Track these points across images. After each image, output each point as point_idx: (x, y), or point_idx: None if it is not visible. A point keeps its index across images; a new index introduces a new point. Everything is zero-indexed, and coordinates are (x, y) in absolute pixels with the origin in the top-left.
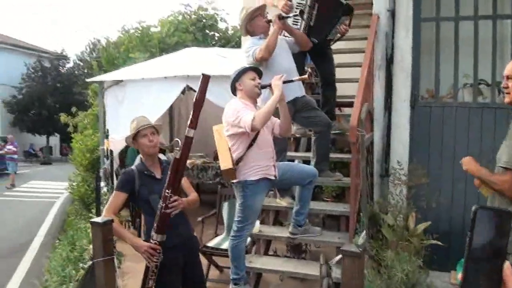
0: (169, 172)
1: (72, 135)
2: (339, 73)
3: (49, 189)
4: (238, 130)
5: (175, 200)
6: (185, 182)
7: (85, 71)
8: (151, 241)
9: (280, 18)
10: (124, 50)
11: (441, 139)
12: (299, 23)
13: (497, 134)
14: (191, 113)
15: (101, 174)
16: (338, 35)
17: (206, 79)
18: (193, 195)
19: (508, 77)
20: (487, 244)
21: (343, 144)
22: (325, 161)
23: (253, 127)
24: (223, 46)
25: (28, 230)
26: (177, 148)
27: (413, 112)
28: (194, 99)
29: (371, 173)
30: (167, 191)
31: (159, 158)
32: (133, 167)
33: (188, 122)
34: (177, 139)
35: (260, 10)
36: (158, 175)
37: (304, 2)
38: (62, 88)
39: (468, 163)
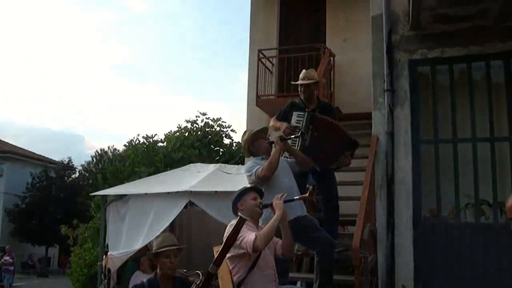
0: None
1: (72, 248)
2: (342, 191)
3: None
4: (239, 251)
5: None
6: None
7: (90, 181)
8: None
9: (282, 139)
10: (130, 164)
11: (446, 260)
12: (296, 144)
13: (502, 254)
14: (220, 249)
15: None
16: (338, 167)
17: (242, 222)
18: None
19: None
20: None
21: (346, 264)
22: (329, 283)
23: (256, 248)
24: (227, 161)
25: None
26: (197, 281)
27: (416, 233)
28: (225, 238)
29: None
30: None
31: (173, 277)
32: (144, 281)
33: (214, 259)
34: (198, 271)
35: (262, 132)
36: None
37: (300, 124)
38: (65, 198)
39: None
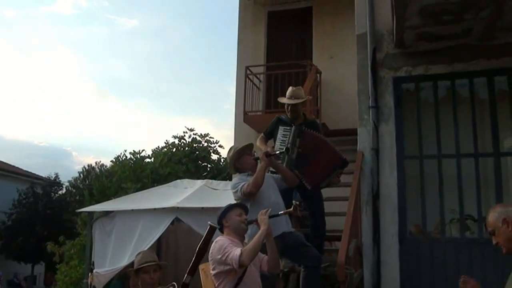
0: None
1: (58, 266)
2: (328, 206)
3: None
4: (225, 268)
5: None
6: None
7: (77, 197)
8: None
9: (267, 155)
10: (117, 180)
11: (431, 275)
12: (282, 160)
13: (487, 269)
14: (192, 260)
15: None
16: (330, 183)
17: (212, 230)
18: None
19: (491, 234)
20: None
21: (333, 279)
22: None
23: (241, 263)
24: (214, 177)
25: None
26: None
27: (402, 248)
28: (197, 247)
29: None
30: None
31: None
32: None
33: (188, 269)
34: (174, 283)
35: (248, 149)
36: None
37: (287, 138)
38: (52, 214)
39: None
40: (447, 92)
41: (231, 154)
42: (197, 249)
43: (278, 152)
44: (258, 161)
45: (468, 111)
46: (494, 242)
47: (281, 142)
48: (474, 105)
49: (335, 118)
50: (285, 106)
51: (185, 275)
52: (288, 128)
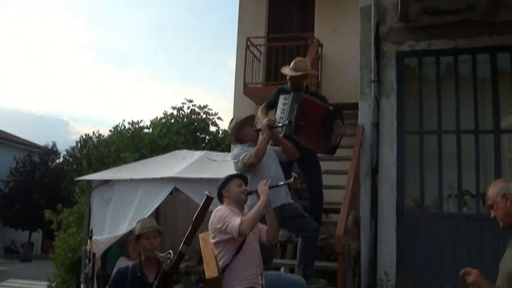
0: (156, 282)
1: (56, 233)
2: (326, 179)
3: None
4: (225, 237)
5: None
6: None
7: (74, 167)
8: None
9: (270, 127)
10: (115, 150)
11: (428, 250)
12: (282, 132)
13: (484, 244)
14: (188, 229)
15: (82, 279)
16: (338, 138)
17: (209, 200)
18: None
19: (490, 207)
20: None
21: (330, 251)
22: (310, 267)
23: (241, 232)
24: (212, 149)
25: None
26: (168, 260)
27: (399, 222)
28: (194, 217)
29: (358, 284)
30: None
31: (158, 260)
32: (129, 265)
33: (184, 239)
34: (170, 251)
35: (250, 120)
36: (151, 278)
37: (286, 106)
38: (49, 183)
39: (478, 276)
40: (449, 68)
41: (232, 124)
42: (194, 218)
43: (280, 124)
44: (260, 132)
45: (470, 88)
46: (492, 215)
47: (281, 110)
48: (475, 82)
49: (336, 92)
50: (287, 77)
51: (181, 244)
52: (288, 96)
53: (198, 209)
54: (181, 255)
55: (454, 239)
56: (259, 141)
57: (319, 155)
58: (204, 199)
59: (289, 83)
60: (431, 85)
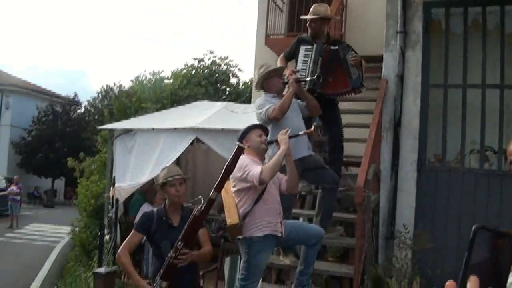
0: (186, 226)
1: (78, 180)
2: (347, 133)
3: (51, 233)
4: (245, 185)
5: (184, 253)
6: (202, 234)
7: (96, 117)
8: (155, 285)
9: (297, 81)
10: (136, 100)
11: (447, 204)
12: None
13: (504, 201)
14: (220, 176)
15: (105, 222)
16: (355, 70)
17: (240, 150)
18: (206, 248)
19: (511, 163)
20: (483, 263)
21: (348, 203)
22: (328, 218)
23: (261, 180)
24: (233, 100)
25: (26, 273)
26: (199, 206)
27: (420, 176)
28: (225, 165)
29: (376, 235)
30: (179, 243)
31: (181, 205)
32: (154, 210)
33: (215, 185)
34: (200, 197)
35: (279, 71)
36: (175, 222)
37: (308, 58)
38: (71, 132)
39: None
40: (476, 20)
41: (261, 71)
42: (225, 166)
43: (308, 79)
44: (286, 85)
45: (497, 42)
46: None
47: (303, 62)
48: (503, 35)
49: (359, 43)
50: (307, 24)
51: (212, 191)
52: (310, 47)
53: (230, 158)
54: (211, 201)
55: (474, 195)
56: (285, 95)
57: (340, 108)
58: (236, 148)
59: (309, 31)
60: (458, 37)
